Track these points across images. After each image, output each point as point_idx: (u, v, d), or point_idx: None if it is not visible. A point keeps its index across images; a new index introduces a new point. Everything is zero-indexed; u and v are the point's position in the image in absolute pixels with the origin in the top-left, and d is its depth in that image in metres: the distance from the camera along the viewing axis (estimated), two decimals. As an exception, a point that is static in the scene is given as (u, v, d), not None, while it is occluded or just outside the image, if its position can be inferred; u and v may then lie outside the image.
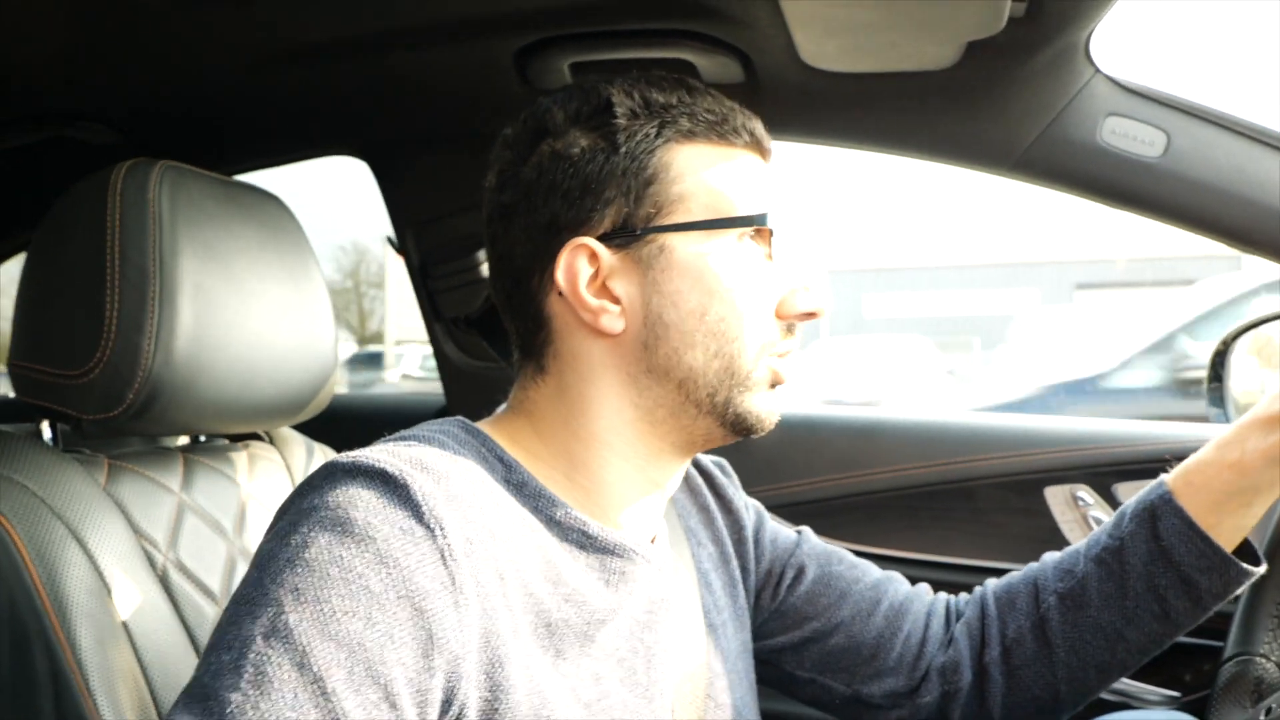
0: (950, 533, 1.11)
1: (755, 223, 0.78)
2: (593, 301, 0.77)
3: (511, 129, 0.82)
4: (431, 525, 0.65)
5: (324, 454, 1.22)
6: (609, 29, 1.20)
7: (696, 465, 1.01)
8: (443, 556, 0.65)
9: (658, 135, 0.78)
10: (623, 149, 0.77)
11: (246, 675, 0.58)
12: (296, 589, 0.61)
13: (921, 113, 1.27)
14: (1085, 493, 1.48)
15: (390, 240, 1.76)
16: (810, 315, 0.81)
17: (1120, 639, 0.92)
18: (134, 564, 0.90)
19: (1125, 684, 1.42)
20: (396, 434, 0.76)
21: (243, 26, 1.22)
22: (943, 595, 1.04)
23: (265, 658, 0.59)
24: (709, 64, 1.22)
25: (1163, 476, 0.93)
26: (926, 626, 0.99)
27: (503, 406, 0.85)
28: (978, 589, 1.02)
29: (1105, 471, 1.47)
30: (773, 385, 0.81)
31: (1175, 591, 0.89)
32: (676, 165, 0.78)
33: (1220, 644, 1.05)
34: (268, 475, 1.12)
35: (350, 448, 0.77)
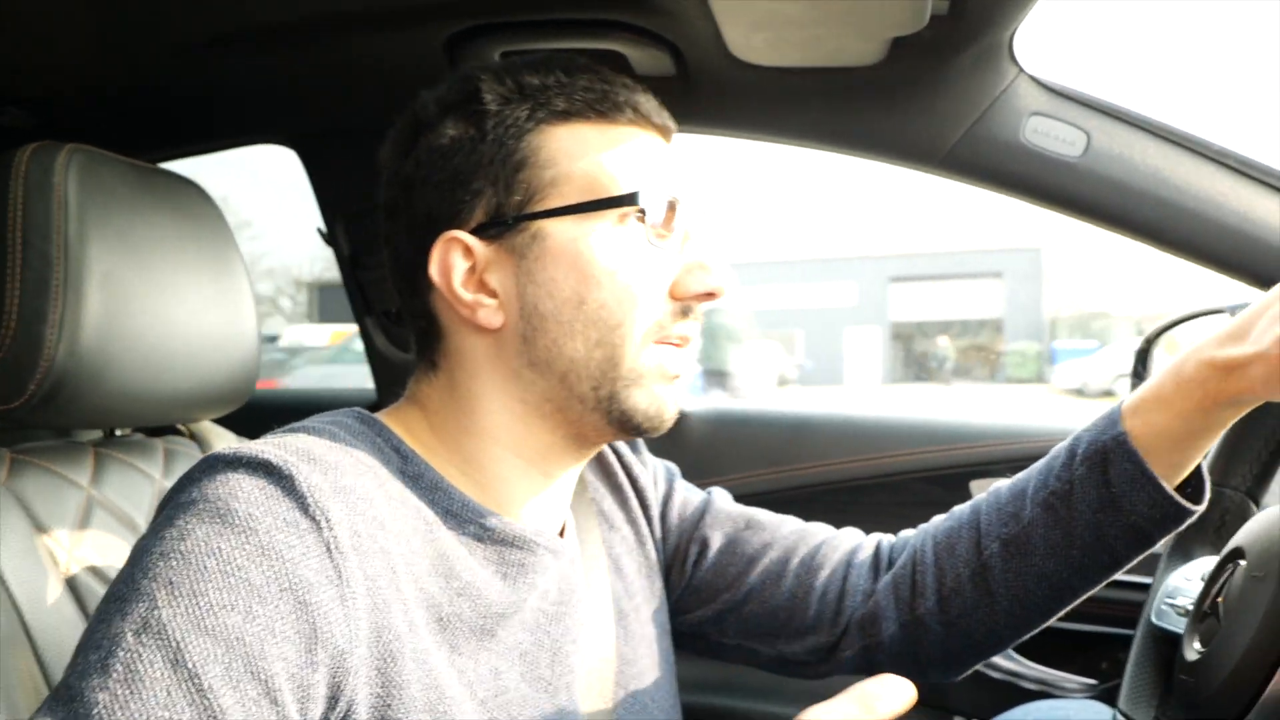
0: (878, 527, 1.12)
1: (628, 202, 0.74)
2: (467, 296, 0.75)
3: (396, 126, 0.81)
4: (317, 517, 0.63)
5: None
6: (539, 18, 1.19)
7: (609, 444, 0.98)
8: (328, 549, 0.62)
9: (529, 118, 0.75)
10: (490, 136, 0.75)
11: (116, 674, 0.56)
12: (171, 583, 0.58)
13: (849, 109, 1.28)
14: (1009, 487, 1.51)
15: (320, 231, 1.73)
16: (709, 295, 0.78)
17: (1066, 587, 0.88)
18: (35, 562, 0.87)
19: (1044, 672, 1.45)
20: (287, 426, 0.73)
21: (166, 11, 1.19)
22: (874, 538, 1.00)
23: (136, 655, 0.56)
24: (640, 56, 1.21)
25: (1120, 408, 0.84)
26: (845, 578, 0.95)
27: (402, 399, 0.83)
28: (922, 527, 0.98)
29: (1026, 465, 1.50)
30: (662, 379, 0.77)
31: (1124, 541, 0.84)
32: (549, 148, 0.75)
33: (1131, 632, 1.07)
34: (186, 469, 1.09)
35: None
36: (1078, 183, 1.20)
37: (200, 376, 1.03)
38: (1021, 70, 1.20)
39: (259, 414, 1.21)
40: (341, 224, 1.69)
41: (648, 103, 0.79)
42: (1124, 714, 0.95)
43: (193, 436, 1.16)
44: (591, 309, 0.74)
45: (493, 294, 0.76)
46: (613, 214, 0.75)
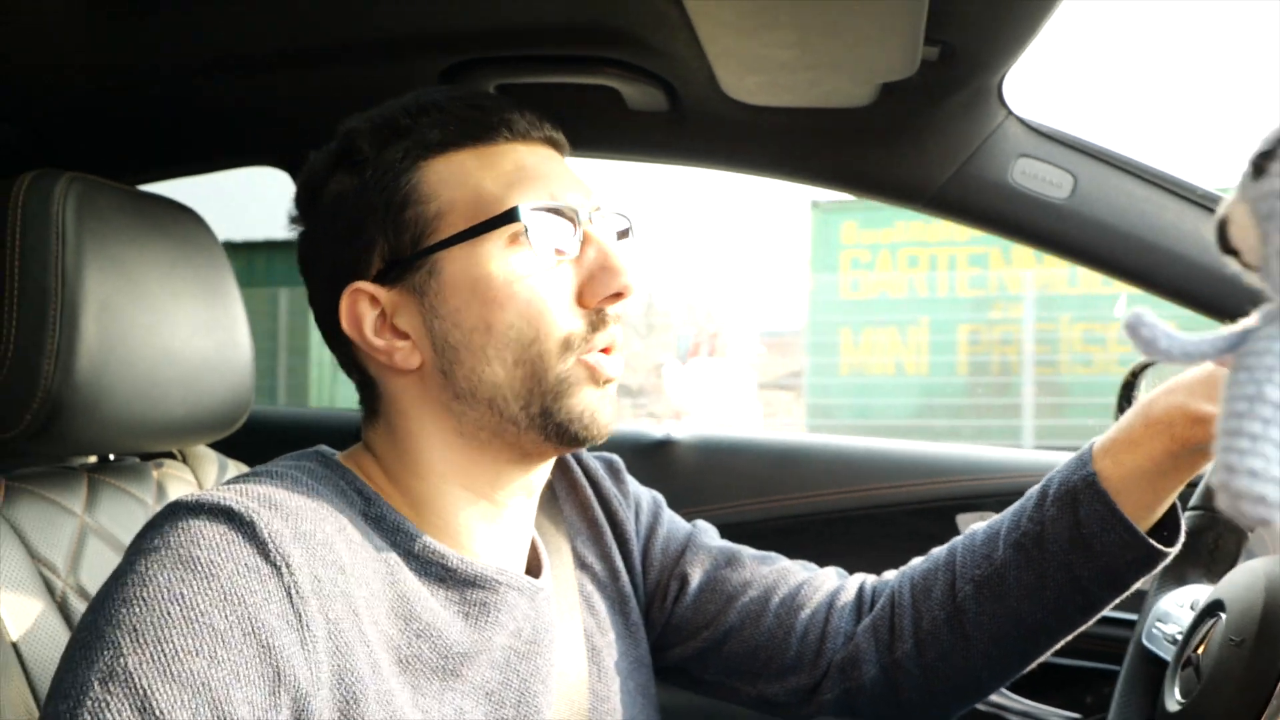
0: (865, 560, 1.13)
1: (509, 219, 0.73)
2: (380, 343, 0.76)
3: (296, 188, 0.81)
4: (278, 563, 0.63)
5: (237, 470, 1.20)
6: (535, 54, 1.20)
7: (585, 471, 0.98)
8: (289, 594, 0.63)
9: (405, 157, 0.75)
10: (371, 183, 0.75)
11: None
12: (135, 629, 0.59)
13: (840, 148, 1.29)
14: (995, 520, 1.52)
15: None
16: (617, 297, 0.77)
17: (1042, 629, 0.87)
18: (29, 589, 0.87)
19: (1030, 706, 1.46)
20: (250, 470, 0.74)
21: (163, 36, 1.19)
22: (858, 579, 0.99)
23: (103, 704, 0.56)
24: (634, 92, 1.22)
25: (1091, 449, 0.84)
26: (826, 620, 0.94)
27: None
28: (902, 569, 0.97)
29: (1013, 499, 1.50)
30: (592, 384, 0.76)
31: (1097, 582, 0.84)
32: (428, 182, 0.75)
33: (1118, 669, 1.08)
34: (179, 494, 1.09)
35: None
36: (1064, 224, 1.22)
37: (194, 402, 1.04)
38: (1010, 113, 1.21)
39: (254, 434, 1.22)
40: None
41: (523, 120, 0.78)
42: None
43: (185, 460, 1.16)
44: (500, 331, 0.74)
45: (404, 336, 0.76)
46: (502, 234, 0.74)
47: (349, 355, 0.80)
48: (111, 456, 1.09)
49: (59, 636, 0.88)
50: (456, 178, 0.75)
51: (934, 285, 7.37)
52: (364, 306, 0.76)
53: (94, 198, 0.95)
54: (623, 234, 0.84)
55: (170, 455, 1.15)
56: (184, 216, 1.08)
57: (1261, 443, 0.40)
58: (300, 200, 0.81)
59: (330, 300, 0.77)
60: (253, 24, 1.17)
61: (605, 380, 0.78)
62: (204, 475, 1.15)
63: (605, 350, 0.78)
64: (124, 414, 0.96)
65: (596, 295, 0.76)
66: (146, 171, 1.61)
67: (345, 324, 0.76)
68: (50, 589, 0.90)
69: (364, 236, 0.76)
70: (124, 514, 1.01)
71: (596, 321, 0.77)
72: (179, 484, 1.10)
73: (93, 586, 0.93)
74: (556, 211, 0.76)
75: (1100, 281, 1.32)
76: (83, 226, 0.92)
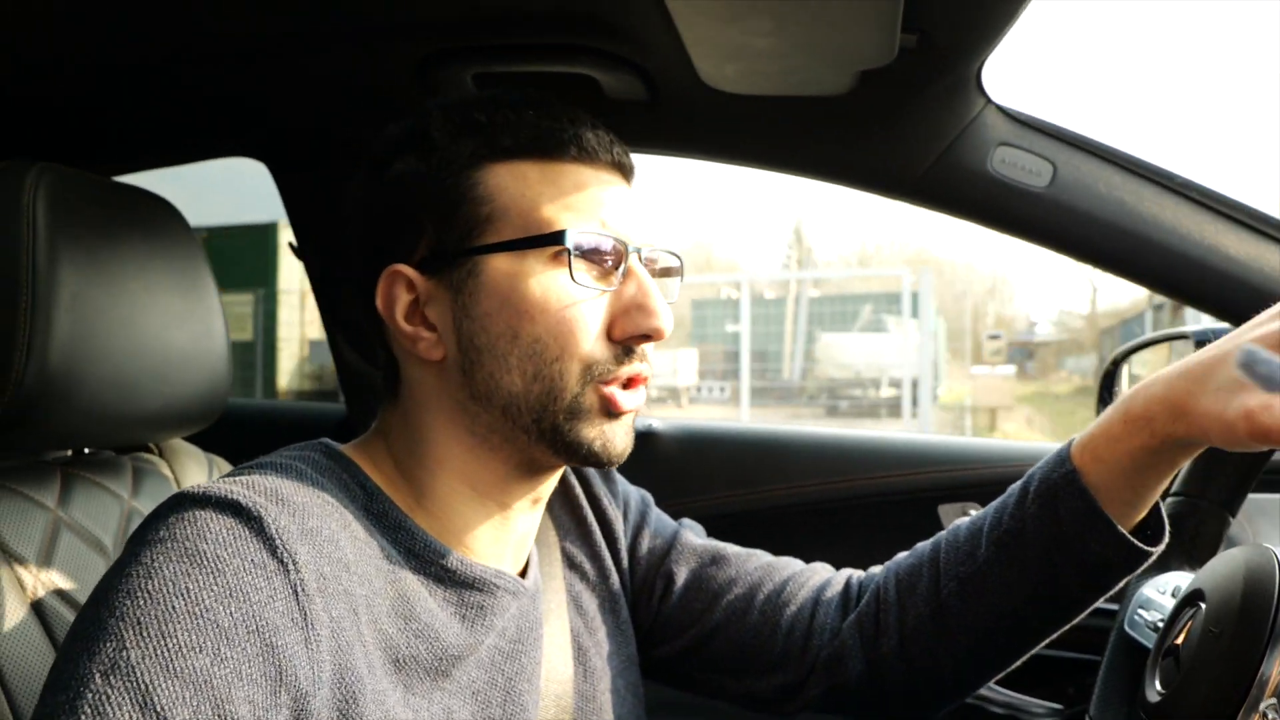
0: (847, 550, 1.13)
1: (556, 240, 0.73)
2: (407, 329, 0.76)
3: (362, 161, 0.82)
4: (285, 560, 0.63)
5: (219, 466, 1.19)
6: (512, 42, 1.19)
7: (575, 470, 0.98)
8: (295, 592, 0.62)
9: (471, 154, 0.76)
10: (433, 172, 0.76)
11: (84, 716, 0.55)
12: (139, 622, 0.58)
13: (820, 137, 1.29)
14: (976, 510, 1.52)
15: (291, 245, 1.73)
16: (646, 337, 0.77)
17: (1024, 625, 0.86)
18: (1, 587, 0.86)
19: (1012, 697, 1.46)
20: (254, 461, 0.73)
21: (137, 25, 1.18)
22: (844, 574, 0.99)
23: (105, 697, 0.55)
24: (612, 81, 1.22)
25: (1070, 446, 0.82)
26: (812, 617, 0.94)
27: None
28: (888, 563, 0.96)
29: (994, 490, 1.51)
30: (609, 415, 0.77)
31: (1079, 580, 0.82)
32: (486, 184, 0.75)
33: (1100, 659, 1.08)
34: (155, 488, 1.08)
35: (247, 458, 0.76)
36: (1044, 213, 1.22)
37: (169, 395, 1.03)
38: (989, 101, 1.21)
39: (229, 426, 1.20)
40: (313, 236, 1.69)
41: (596, 139, 0.78)
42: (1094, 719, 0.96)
43: (162, 454, 1.15)
44: (525, 343, 0.74)
45: (432, 328, 0.76)
46: (546, 252, 0.74)
47: (377, 334, 0.81)
48: (86, 450, 1.08)
49: (31, 634, 0.87)
50: (516, 186, 0.75)
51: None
52: (400, 289, 0.77)
53: (66, 188, 0.94)
54: (668, 271, 0.84)
55: (146, 449, 1.14)
56: (158, 207, 1.07)
57: None
58: (366, 170, 0.81)
59: (371, 277, 0.78)
60: (227, 13, 1.16)
61: (622, 413, 0.78)
62: (180, 469, 1.14)
63: (630, 383, 0.78)
64: (97, 407, 0.94)
65: (626, 332, 0.76)
66: (121, 162, 1.60)
67: (380, 303, 0.77)
68: (21, 584, 0.89)
69: (416, 222, 0.76)
70: (98, 509, 1.00)
71: (621, 355, 0.77)
72: (155, 477, 1.09)
73: (66, 581, 0.92)
74: (604, 241, 0.76)
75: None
76: (54, 217, 0.91)
